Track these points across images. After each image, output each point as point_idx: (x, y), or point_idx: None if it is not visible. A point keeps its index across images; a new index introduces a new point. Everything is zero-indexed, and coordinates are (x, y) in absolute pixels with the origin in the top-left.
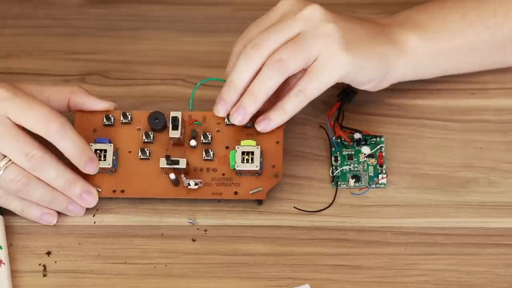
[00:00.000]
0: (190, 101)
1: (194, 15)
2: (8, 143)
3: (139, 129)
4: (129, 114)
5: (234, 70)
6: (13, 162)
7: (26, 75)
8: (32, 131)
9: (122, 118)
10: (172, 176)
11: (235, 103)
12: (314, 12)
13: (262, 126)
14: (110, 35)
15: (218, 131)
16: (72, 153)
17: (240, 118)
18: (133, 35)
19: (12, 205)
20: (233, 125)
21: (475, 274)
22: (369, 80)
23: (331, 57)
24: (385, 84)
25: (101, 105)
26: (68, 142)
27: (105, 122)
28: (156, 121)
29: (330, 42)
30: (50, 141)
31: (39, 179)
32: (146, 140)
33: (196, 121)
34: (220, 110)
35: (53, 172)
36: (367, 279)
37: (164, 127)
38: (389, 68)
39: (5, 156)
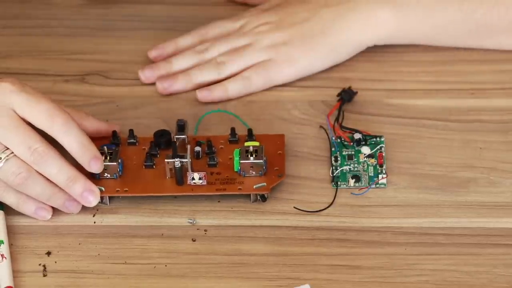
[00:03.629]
0: (195, 128)
1: (194, 15)
2: (11, 135)
3: (144, 149)
4: (136, 136)
5: (178, 57)
6: (14, 155)
7: (26, 75)
8: (37, 126)
9: (128, 138)
10: (177, 163)
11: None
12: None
13: (203, 94)
14: (110, 35)
15: (221, 148)
16: (76, 150)
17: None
18: (133, 35)
19: (8, 198)
20: (236, 142)
21: (475, 274)
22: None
23: (281, 62)
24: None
25: (107, 128)
26: (72, 138)
27: (111, 141)
28: (161, 136)
29: (276, 51)
30: (54, 137)
31: (40, 174)
32: (152, 153)
33: (200, 140)
34: (148, 75)
35: (55, 167)
36: (367, 279)
37: (169, 144)
38: (346, 17)
39: (7, 148)
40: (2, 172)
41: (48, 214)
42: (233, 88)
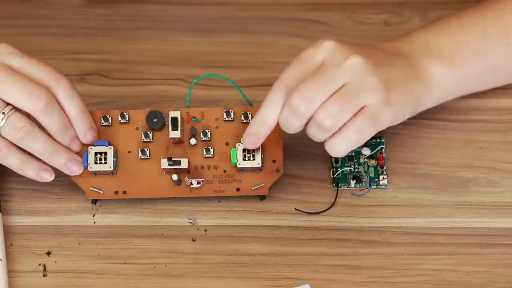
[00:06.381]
0: (188, 98)
1: (194, 15)
2: (9, 84)
3: (137, 128)
4: (126, 114)
5: (282, 119)
6: (15, 110)
7: None
8: (40, 80)
9: (119, 118)
10: (175, 177)
11: None
12: (358, 64)
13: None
14: (110, 35)
15: (217, 127)
16: (77, 115)
17: None
18: (133, 35)
19: (12, 160)
20: (231, 120)
21: (475, 274)
22: (403, 120)
23: (378, 110)
24: (410, 116)
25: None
26: (75, 104)
27: (102, 123)
28: (155, 120)
29: (376, 97)
30: (57, 98)
31: (42, 130)
32: (145, 140)
33: (194, 117)
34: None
35: (59, 114)
36: (367, 279)
37: (163, 126)
38: (420, 105)
39: (8, 105)
40: (5, 128)
41: (50, 176)
42: (342, 149)
